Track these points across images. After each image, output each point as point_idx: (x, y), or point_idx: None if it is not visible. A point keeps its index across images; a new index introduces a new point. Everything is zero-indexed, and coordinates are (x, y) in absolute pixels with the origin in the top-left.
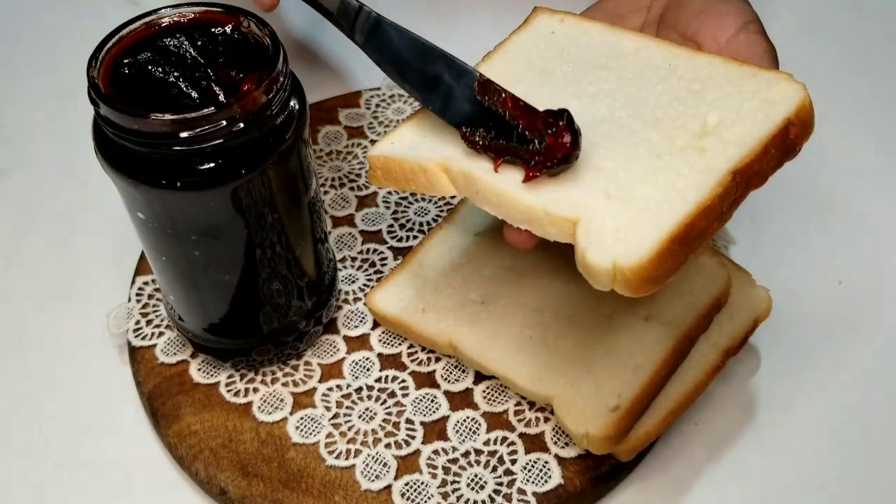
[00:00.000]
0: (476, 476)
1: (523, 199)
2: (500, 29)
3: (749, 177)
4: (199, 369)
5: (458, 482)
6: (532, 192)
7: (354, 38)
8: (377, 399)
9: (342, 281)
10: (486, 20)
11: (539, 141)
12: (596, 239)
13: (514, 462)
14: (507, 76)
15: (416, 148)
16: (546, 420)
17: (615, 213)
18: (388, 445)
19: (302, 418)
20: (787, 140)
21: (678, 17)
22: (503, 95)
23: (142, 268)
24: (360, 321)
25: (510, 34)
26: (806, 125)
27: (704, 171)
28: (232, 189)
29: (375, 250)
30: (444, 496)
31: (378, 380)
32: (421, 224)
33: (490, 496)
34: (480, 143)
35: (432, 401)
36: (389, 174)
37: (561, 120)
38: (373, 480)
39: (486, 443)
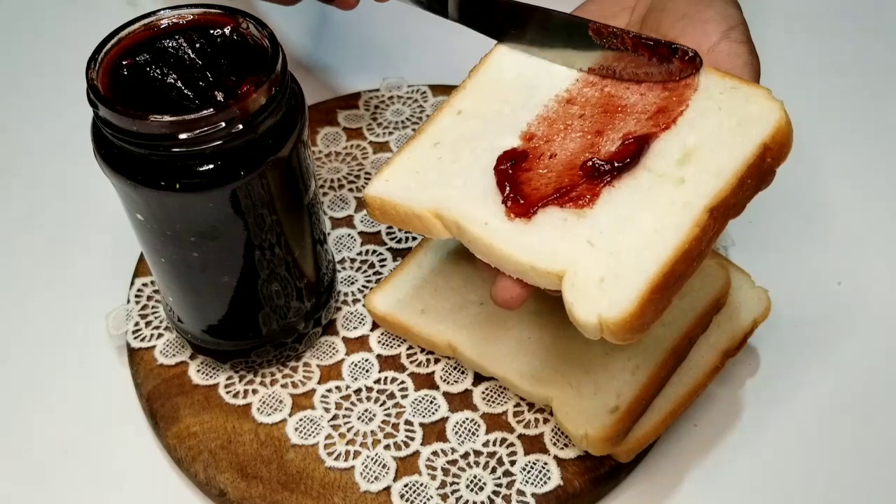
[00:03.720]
0: (475, 477)
1: (511, 254)
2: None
3: (726, 210)
4: (198, 371)
5: (458, 483)
6: (518, 245)
7: (449, 16)
8: (376, 400)
9: (341, 282)
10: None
11: (668, 62)
12: (581, 294)
13: (513, 463)
14: (492, 99)
15: (410, 189)
16: (545, 421)
17: (598, 262)
18: (387, 447)
19: (301, 420)
20: (763, 166)
21: (661, 20)
22: (622, 37)
23: (141, 269)
24: (360, 322)
25: (494, 47)
26: (783, 147)
27: (683, 207)
28: (231, 191)
29: (374, 252)
30: (444, 497)
31: (377, 381)
32: None
33: (489, 497)
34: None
35: (431, 402)
36: (386, 215)
37: (679, 51)
38: (372, 482)
39: (486, 444)
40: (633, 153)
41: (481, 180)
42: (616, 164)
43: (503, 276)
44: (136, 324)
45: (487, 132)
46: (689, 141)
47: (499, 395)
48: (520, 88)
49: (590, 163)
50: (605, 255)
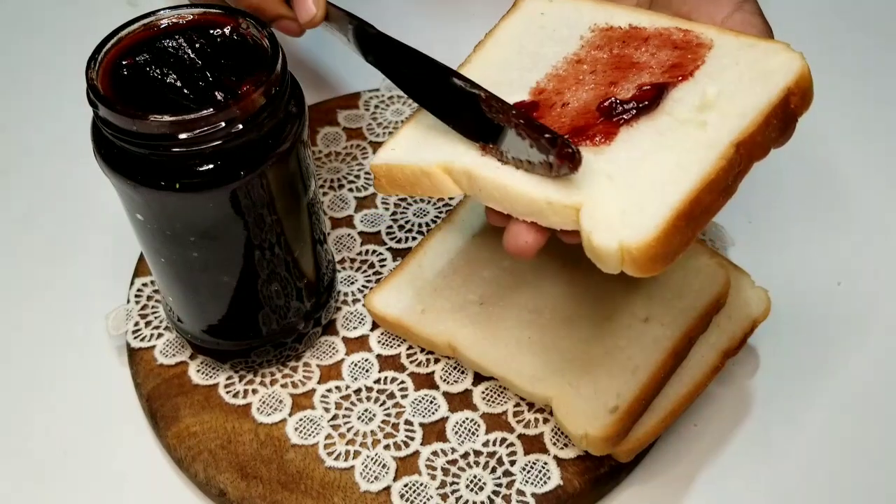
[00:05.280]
0: (475, 477)
1: (525, 192)
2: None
3: (752, 148)
4: (198, 371)
5: (458, 483)
6: (533, 183)
7: (369, 61)
8: (376, 400)
9: (341, 282)
10: (485, 11)
11: (546, 154)
12: (601, 222)
13: (513, 463)
14: (499, 63)
15: (417, 151)
16: (545, 421)
17: (618, 195)
18: (387, 447)
19: (301, 420)
20: (788, 110)
21: None
22: (508, 114)
23: (140, 269)
24: (359, 322)
25: (500, 19)
26: (805, 94)
27: (707, 146)
28: (231, 190)
29: (374, 251)
30: (444, 497)
31: (377, 381)
32: (420, 225)
33: (489, 497)
34: (498, 157)
35: (431, 402)
36: (393, 181)
37: (558, 143)
38: (372, 482)
39: (486, 444)
40: (652, 97)
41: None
42: (636, 104)
43: (515, 222)
44: (136, 324)
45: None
46: (710, 90)
47: (499, 395)
48: (525, 55)
49: (606, 103)
50: (626, 188)
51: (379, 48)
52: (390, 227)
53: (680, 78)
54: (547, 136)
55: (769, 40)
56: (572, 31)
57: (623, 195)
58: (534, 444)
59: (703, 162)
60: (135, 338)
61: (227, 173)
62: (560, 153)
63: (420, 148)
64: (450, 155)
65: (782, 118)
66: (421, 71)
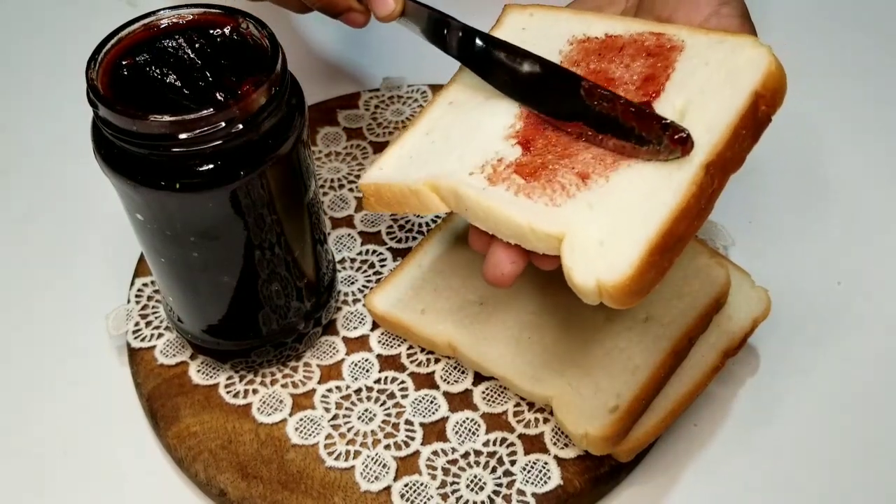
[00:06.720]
0: (475, 477)
1: (510, 217)
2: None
3: (724, 165)
4: (198, 371)
5: (458, 483)
6: (518, 208)
7: (450, 53)
8: (376, 400)
9: (341, 282)
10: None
11: (658, 141)
12: (580, 257)
13: (513, 463)
14: (483, 87)
15: (404, 170)
16: (545, 421)
17: (597, 225)
18: (387, 446)
19: (301, 419)
20: (758, 115)
21: (655, 2)
22: (614, 102)
23: (141, 269)
24: (360, 322)
25: None
26: (776, 94)
27: (679, 166)
28: (231, 190)
29: (374, 251)
30: (444, 497)
31: (377, 381)
32: (420, 225)
33: (489, 497)
34: (596, 143)
35: (431, 402)
36: (382, 200)
37: (670, 129)
38: (372, 482)
39: (486, 444)
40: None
41: (477, 153)
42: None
43: (495, 251)
44: (137, 324)
45: (480, 114)
46: (678, 103)
47: (499, 395)
48: None
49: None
50: (604, 219)
51: (463, 41)
52: (390, 227)
53: (653, 94)
54: (662, 121)
55: (738, 35)
56: (551, 46)
57: (602, 224)
58: (534, 444)
59: (674, 188)
60: (135, 338)
61: (227, 173)
62: (672, 138)
63: (407, 167)
64: (438, 174)
65: (752, 126)
66: (512, 62)
